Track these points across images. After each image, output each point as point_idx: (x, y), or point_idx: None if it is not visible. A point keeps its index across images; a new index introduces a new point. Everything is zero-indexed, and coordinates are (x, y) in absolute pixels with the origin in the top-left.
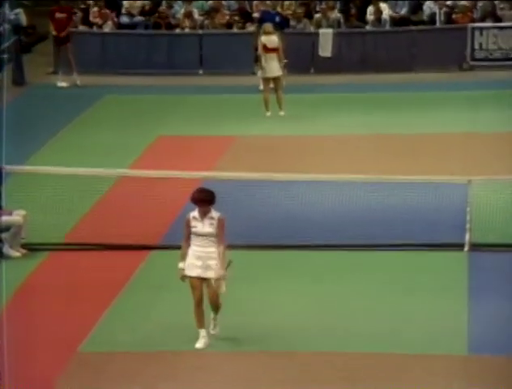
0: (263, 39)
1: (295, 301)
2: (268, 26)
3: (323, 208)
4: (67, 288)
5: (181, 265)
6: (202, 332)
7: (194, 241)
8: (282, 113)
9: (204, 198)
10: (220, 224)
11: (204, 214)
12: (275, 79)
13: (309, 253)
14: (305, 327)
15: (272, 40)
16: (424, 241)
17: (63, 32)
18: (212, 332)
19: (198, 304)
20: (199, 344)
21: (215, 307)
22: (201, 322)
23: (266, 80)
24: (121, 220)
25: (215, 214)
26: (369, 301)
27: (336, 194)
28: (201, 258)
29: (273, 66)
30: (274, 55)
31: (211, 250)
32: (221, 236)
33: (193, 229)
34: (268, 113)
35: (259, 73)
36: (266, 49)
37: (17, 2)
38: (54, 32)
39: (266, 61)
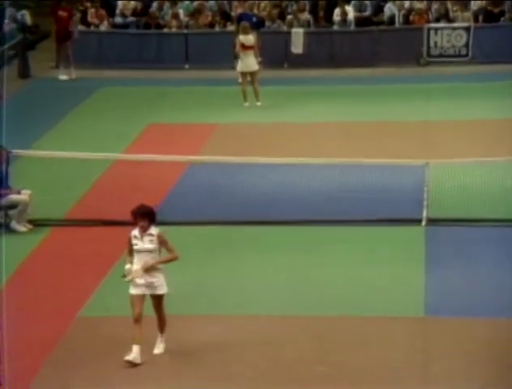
0: (241, 38)
1: (269, 270)
2: (245, 26)
3: (296, 188)
4: (68, 260)
5: (127, 266)
6: (135, 348)
7: (137, 258)
8: (259, 104)
9: (144, 212)
10: (161, 240)
11: (143, 231)
12: (252, 73)
13: (282, 228)
14: (278, 294)
15: (249, 38)
16: (386, 217)
17: (65, 29)
18: (156, 351)
19: (137, 320)
20: (129, 357)
21: (161, 321)
22: (136, 339)
23: (244, 74)
24: (116, 199)
25: (154, 231)
26: (337, 270)
27: (308, 175)
28: (143, 276)
29: (250, 62)
30: (250, 52)
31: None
32: (169, 248)
33: (134, 247)
34: (246, 104)
35: (238, 67)
36: (244, 47)
37: (22, 4)
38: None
39: (243, 57)
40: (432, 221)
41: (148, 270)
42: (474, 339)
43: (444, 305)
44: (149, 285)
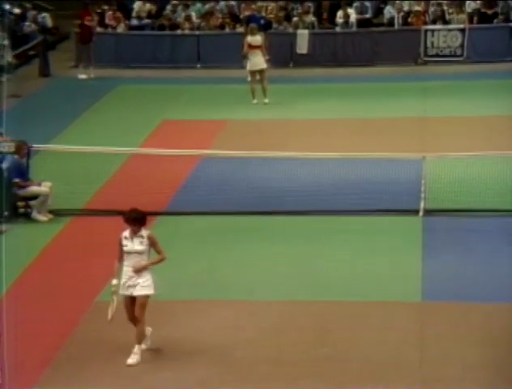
0: (249, 38)
1: (275, 258)
2: (253, 27)
3: (300, 181)
4: (86, 248)
5: (114, 281)
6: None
7: (126, 259)
8: (266, 101)
9: (135, 218)
10: (152, 241)
11: (134, 233)
12: (261, 72)
13: (288, 218)
14: (284, 281)
15: (256, 39)
16: (385, 208)
17: (89, 32)
18: (129, 361)
19: (132, 320)
20: (131, 360)
21: (140, 328)
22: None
23: (253, 72)
24: (133, 191)
25: (144, 232)
26: (339, 258)
27: (311, 169)
28: (131, 278)
29: (258, 61)
30: (258, 51)
31: None
32: (159, 249)
33: (124, 248)
34: (254, 101)
35: (247, 66)
36: (251, 47)
37: (43, 7)
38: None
39: (251, 56)
40: (429, 212)
41: (139, 271)
42: (469, 323)
43: (440, 290)
44: (135, 285)
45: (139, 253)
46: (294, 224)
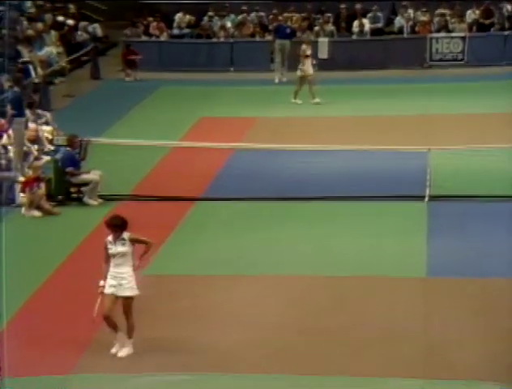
0: (304, 47)
1: (297, 238)
2: (309, 40)
3: (320, 170)
4: (133, 228)
5: (101, 283)
6: (119, 336)
7: (112, 261)
8: (293, 101)
9: (116, 224)
10: (133, 239)
11: (117, 237)
12: (309, 76)
13: (309, 203)
14: (304, 258)
15: (309, 49)
16: (394, 194)
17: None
18: (119, 354)
19: (106, 317)
20: (114, 349)
21: (129, 325)
22: (115, 329)
23: (303, 77)
24: (174, 179)
25: (125, 236)
26: (353, 239)
27: (330, 160)
28: (115, 278)
29: (309, 67)
30: (309, 60)
31: (124, 270)
32: (142, 240)
33: (109, 251)
34: (315, 100)
35: (298, 72)
36: (305, 56)
37: (94, 19)
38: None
39: (305, 63)
40: (433, 198)
41: (139, 267)
42: (468, 295)
43: (443, 267)
44: (119, 286)
45: (122, 255)
46: (315, 209)
